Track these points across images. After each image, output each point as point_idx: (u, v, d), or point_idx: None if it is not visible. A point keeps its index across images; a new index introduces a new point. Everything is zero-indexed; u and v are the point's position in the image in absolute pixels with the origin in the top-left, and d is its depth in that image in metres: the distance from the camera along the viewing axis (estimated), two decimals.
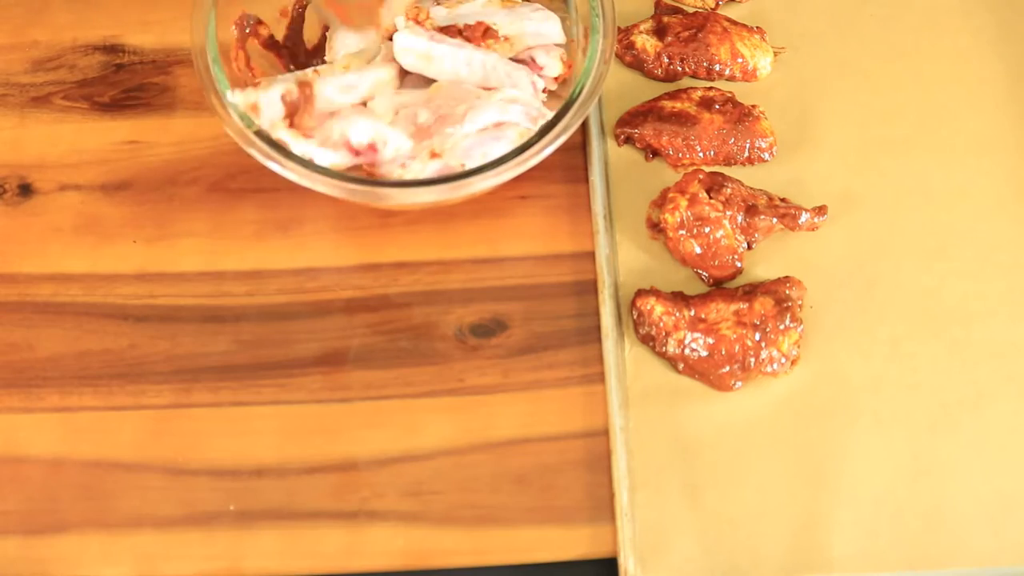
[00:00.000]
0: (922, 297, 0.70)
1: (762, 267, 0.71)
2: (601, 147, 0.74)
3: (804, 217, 0.71)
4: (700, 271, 0.70)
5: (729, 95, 0.74)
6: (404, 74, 0.71)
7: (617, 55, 0.76)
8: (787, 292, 0.68)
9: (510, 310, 0.70)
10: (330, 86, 0.69)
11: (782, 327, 0.67)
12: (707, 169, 0.73)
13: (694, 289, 0.70)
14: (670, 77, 0.76)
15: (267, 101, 0.68)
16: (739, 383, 0.67)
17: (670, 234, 0.70)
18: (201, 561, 0.65)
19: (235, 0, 0.71)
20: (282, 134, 0.67)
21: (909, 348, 0.68)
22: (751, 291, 0.68)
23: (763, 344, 0.67)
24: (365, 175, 0.68)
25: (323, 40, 0.74)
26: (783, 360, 0.67)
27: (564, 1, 0.73)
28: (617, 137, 0.74)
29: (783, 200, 0.72)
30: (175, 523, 0.65)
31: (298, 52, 0.75)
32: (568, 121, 0.67)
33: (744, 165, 0.74)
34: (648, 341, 0.68)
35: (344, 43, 0.72)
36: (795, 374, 0.68)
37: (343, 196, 0.67)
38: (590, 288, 0.71)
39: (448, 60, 0.70)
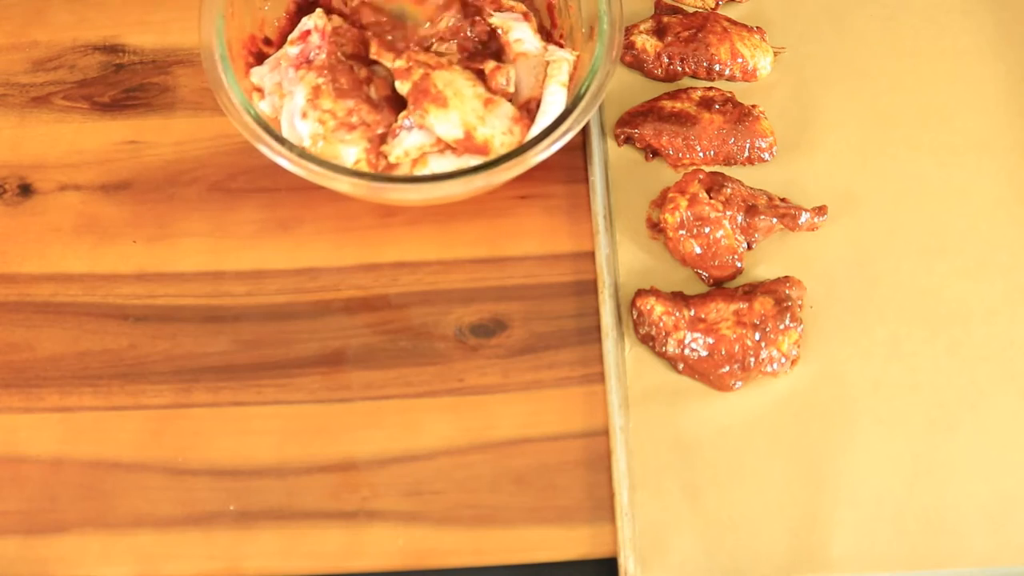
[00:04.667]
0: (922, 297, 0.70)
1: (762, 267, 0.71)
2: (601, 147, 0.74)
3: (804, 217, 0.71)
4: (700, 271, 0.70)
5: (729, 95, 0.74)
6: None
7: None
8: (787, 292, 0.68)
9: (510, 310, 0.70)
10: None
11: (782, 327, 0.67)
12: (707, 169, 0.73)
13: (694, 289, 0.70)
14: (670, 77, 0.76)
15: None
16: (739, 383, 0.67)
17: (670, 234, 0.70)
18: (201, 561, 0.65)
19: None
20: None
21: (909, 348, 0.68)
22: (751, 291, 0.68)
23: (763, 344, 0.67)
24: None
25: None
26: (783, 360, 0.67)
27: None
28: (617, 137, 0.74)
29: (783, 200, 0.72)
30: (175, 523, 0.65)
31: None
32: (572, 121, 0.66)
33: (744, 165, 0.74)
34: (648, 341, 0.68)
35: None
36: (795, 374, 0.68)
37: (354, 193, 0.66)
38: (590, 288, 0.71)
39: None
